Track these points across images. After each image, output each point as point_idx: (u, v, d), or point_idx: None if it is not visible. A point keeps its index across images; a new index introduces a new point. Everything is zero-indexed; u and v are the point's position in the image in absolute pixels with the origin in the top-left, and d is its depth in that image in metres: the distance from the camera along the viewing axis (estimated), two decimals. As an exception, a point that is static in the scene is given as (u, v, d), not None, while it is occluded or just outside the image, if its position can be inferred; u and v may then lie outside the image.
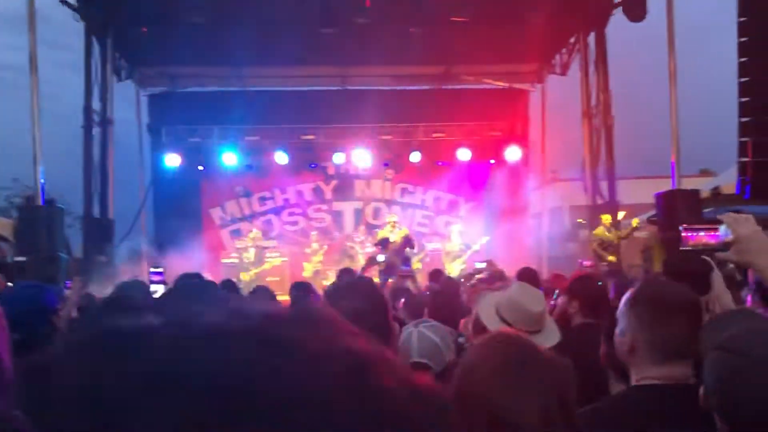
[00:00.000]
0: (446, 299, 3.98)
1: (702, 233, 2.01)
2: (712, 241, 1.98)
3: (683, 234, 2.02)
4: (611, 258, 12.07)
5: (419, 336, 2.73)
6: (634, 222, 12.36)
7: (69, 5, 12.05)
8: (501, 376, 1.24)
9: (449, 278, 5.48)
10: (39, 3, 11.39)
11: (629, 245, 12.84)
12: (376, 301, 1.86)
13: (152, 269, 4.50)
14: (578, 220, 13.67)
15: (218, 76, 15.82)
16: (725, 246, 1.90)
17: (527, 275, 5.74)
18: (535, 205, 17.28)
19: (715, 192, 11.88)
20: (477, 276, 6.60)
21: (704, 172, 25.15)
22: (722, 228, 1.92)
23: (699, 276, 2.84)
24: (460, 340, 3.66)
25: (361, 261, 13.29)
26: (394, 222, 12.72)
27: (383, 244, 12.04)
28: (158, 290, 4.23)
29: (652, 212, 12.62)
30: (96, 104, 13.29)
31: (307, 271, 14.30)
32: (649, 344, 1.90)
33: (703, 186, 12.55)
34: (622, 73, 16.36)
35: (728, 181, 11.84)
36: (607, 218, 12.48)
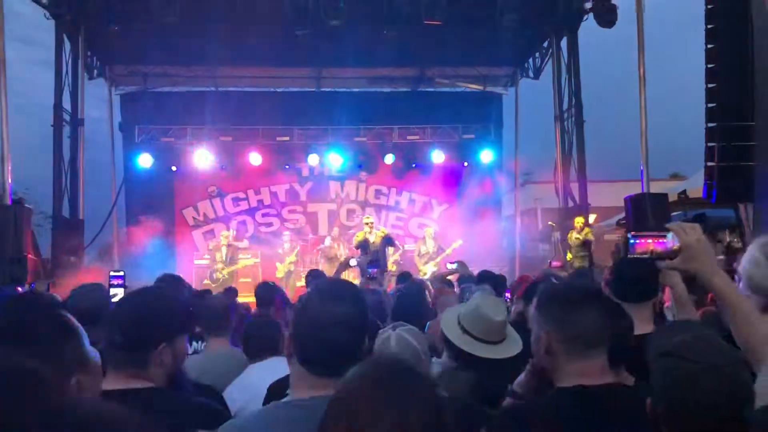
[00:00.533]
0: (409, 300, 3.99)
1: (650, 240, 2.03)
2: (660, 249, 2.00)
3: (631, 241, 2.05)
4: (569, 256, 12.38)
5: (398, 339, 2.69)
6: (588, 231, 12.68)
7: (39, 3, 11.88)
8: (363, 391, 1.29)
9: (413, 280, 5.50)
10: (10, -2, 11.25)
11: (600, 247, 13.00)
12: (359, 307, 1.85)
13: (112, 273, 4.43)
14: (549, 223, 13.81)
15: (191, 75, 15.73)
16: (672, 254, 1.94)
17: (488, 277, 5.79)
18: (508, 207, 17.44)
19: (683, 196, 12.07)
20: (448, 277, 6.63)
21: (675, 176, 25.56)
22: (669, 236, 1.95)
23: (646, 280, 2.90)
24: None
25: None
26: (371, 223, 12.72)
27: (363, 246, 11.98)
28: (118, 294, 4.19)
29: (622, 215, 12.80)
30: (67, 102, 13.12)
31: (280, 272, 14.24)
32: (562, 340, 1.93)
33: (672, 190, 12.74)
34: (595, 77, 16.54)
35: (697, 185, 12.03)
36: (579, 221, 12.66)
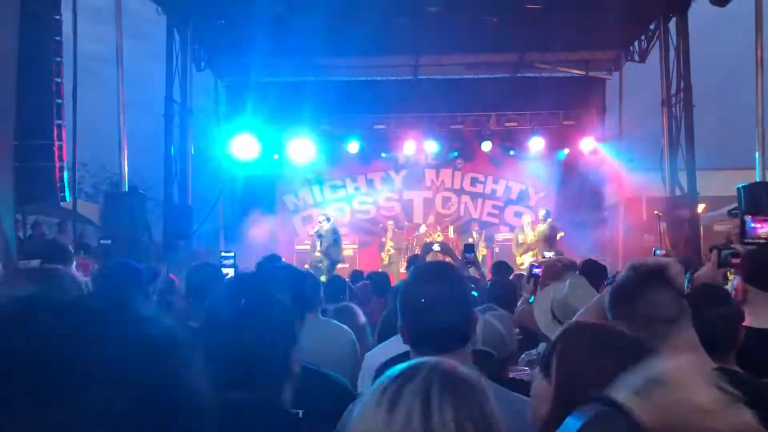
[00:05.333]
0: (503, 291, 3.99)
1: None
2: None
3: (749, 224, 1.95)
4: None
5: (484, 324, 2.76)
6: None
7: (152, -1, 12.52)
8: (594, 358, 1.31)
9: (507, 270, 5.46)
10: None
11: (709, 238, 12.34)
12: (459, 286, 1.92)
13: (223, 253, 4.71)
14: (655, 212, 13.22)
15: (293, 66, 16.10)
16: None
17: (590, 267, 5.63)
18: (611, 196, 16.84)
19: (802, 185, 11.25)
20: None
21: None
22: None
23: None
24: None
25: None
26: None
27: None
28: (229, 272, 4.42)
29: (733, 205, 12.10)
30: (176, 94, 13.77)
31: (384, 260, 14.50)
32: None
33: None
34: (707, 59, 15.68)
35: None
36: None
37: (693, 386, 1.00)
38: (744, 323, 2.62)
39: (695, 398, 0.99)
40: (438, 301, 1.81)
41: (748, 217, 1.90)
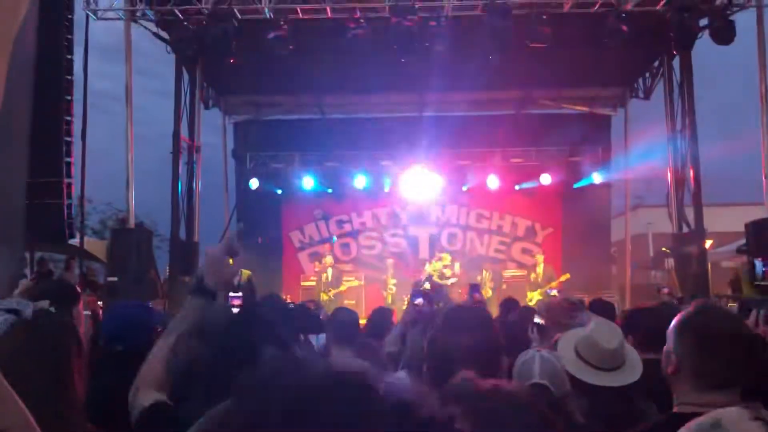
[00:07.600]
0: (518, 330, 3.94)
1: None
2: None
3: (760, 267, 1.94)
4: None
5: (541, 359, 2.73)
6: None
7: (162, 39, 12.72)
8: None
9: (525, 308, 5.39)
10: (133, 34, 12.15)
11: (716, 275, 12.26)
12: (488, 336, 1.89)
13: (230, 293, 4.78)
14: (662, 249, 13.19)
15: (300, 104, 16.30)
16: None
17: (599, 306, 5.58)
18: (617, 232, 16.80)
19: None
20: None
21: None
22: None
23: None
24: None
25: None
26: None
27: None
28: (237, 312, 4.46)
29: (742, 241, 12.06)
30: (185, 131, 13.91)
31: (387, 299, 14.34)
32: (693, 372, 1.89)
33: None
34: (714, 93, 15.76)
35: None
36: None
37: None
38: None
39: None
40: (468, 351, 1.79)
41: (758, 261, 1.90)
